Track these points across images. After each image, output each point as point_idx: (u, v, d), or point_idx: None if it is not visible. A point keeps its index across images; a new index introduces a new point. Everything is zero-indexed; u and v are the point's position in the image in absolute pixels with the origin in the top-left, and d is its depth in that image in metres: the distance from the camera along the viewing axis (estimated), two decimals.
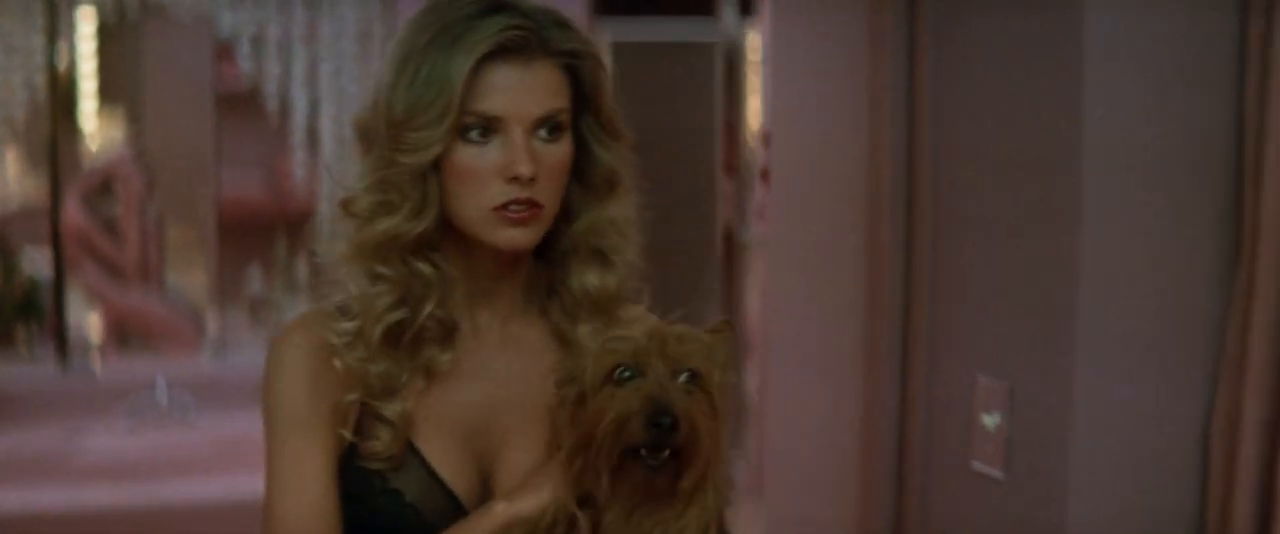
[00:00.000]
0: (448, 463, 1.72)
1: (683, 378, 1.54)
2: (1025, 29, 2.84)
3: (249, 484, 2.13)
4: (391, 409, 1.70)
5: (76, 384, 5.90)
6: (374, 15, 5.69)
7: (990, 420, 2.49)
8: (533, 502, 1.64)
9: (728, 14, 6.00)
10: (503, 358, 1.77)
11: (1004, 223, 2.83)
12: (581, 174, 1.74)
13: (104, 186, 6.70)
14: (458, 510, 1.70)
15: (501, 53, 1.63)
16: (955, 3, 3.03)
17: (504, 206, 1.65)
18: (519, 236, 1.67)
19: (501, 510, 1.66)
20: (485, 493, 1.72)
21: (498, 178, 1.65)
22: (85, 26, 7.69)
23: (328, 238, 1.74)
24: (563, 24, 1.69)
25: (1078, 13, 2.68)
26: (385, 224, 1.67)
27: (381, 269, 1.69)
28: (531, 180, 1.64)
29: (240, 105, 6.10)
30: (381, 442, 1.69)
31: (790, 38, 3.47)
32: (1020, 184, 2.79)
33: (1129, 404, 2.65)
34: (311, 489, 1.70)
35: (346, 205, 1.70)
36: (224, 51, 6.11)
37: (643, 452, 1.51)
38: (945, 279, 3.08)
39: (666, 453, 1.51)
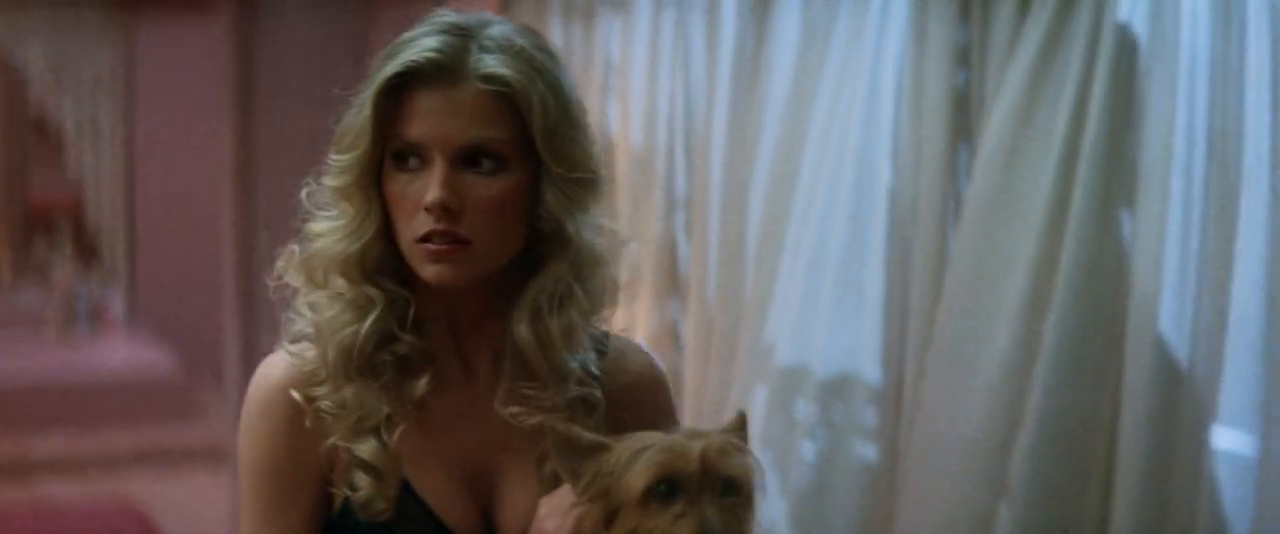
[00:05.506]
0: (451, 508, 1.54)
1: (722, 492, 1.37)
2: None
3: None
4: (365, 448, 1.50)
5: None
6: None
7: None
8: None
9: None
10: (494, 398, 1.55)
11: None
12: (535, 217, 1.49)
13: None
14: None
15: (426, 77, 1.44)
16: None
17: (425, 239, 1.45)
18: (440, 272, 1.46)
19: None
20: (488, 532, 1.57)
21: (420, 208, 1.44)
22: None
23: (294, 267, 1.54)
24: (505, 48, 1.47)
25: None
26: (322, 243, 1.50)
27: (336, 290, 1.51)
28: (448, 212, 1.43)
29: None
30: (365, 490, 1.49)
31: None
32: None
33: None
34: None
35: (305, 232, 1.52)
36: None
37: None
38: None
39: None
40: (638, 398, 1.60)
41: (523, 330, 1.51)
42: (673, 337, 3.10)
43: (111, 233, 8.20)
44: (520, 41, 1.47)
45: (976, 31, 2.29)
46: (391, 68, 1.44)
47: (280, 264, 1.54)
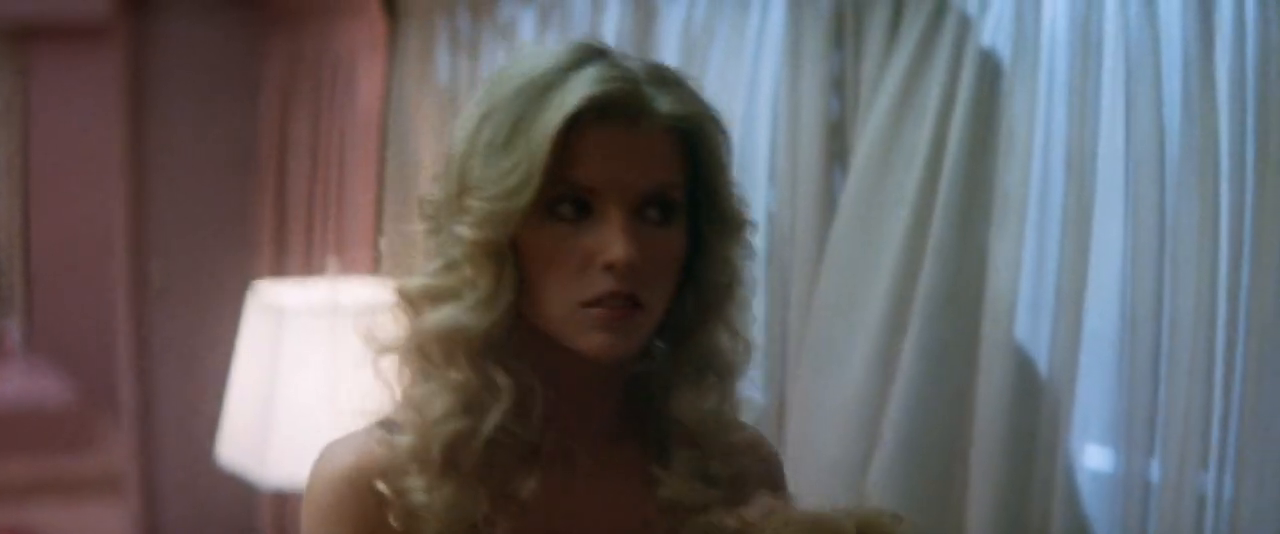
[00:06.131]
0: None
1: None
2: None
3: None
4: None
5: None
6: None
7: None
8: None
9: None
10: (599, 489, 1.34)
11: None
12: (692, 272, 1.29)
13: None
14: None
15: (600, 112, 1.21)
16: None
17: (595, 302, 1.21)
18: (611, 343, 1.23)
19: None
20: None
21: (590, 266, 1.21)
22: None
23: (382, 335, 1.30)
24: (673, 80, 1.27)
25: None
26: (444, 315, 1.25)
27: (442, 371, 1.26)
28: (630, 271, 1.21)
29: None
30: None
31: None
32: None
33: None
34: None
35: (402, 292, 1.29)
36: None
37: None
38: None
39: None
40: (765, 482, 1.40)
41: (686, 406, 1.31)
42: None
43: (8, 262, 8.09)
44: (673, 71, 1.29)
45: (849, 58, 2.29)
46: (573, 100, 1.20)
47: (384, 333, 1.30)
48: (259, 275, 4.06)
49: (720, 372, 1.33)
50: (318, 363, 3.02)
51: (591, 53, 1.26)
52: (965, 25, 2.08)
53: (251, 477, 3.12)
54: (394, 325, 1.31)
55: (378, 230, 3.64)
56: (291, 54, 4.01)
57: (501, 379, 1.26)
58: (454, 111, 3.31)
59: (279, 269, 4.08)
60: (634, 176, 1.22)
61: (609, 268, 1.21)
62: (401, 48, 3.50)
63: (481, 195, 1.22)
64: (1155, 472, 1.92)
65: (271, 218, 4.13)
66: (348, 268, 3.52)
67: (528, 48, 1.41)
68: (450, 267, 1.26)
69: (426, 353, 1.27)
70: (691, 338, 1.32)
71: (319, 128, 3.86)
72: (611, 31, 2.78)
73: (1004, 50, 2.06)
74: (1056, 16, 2.00)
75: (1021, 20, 2.02)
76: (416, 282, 1.28)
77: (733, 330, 1.33)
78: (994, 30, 2.07)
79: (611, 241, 1.20)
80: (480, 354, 1.25)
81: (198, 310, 4.25)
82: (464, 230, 1.24)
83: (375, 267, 3.63)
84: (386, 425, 1.32)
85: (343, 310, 3.05)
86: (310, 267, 3.89)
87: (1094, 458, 2.03)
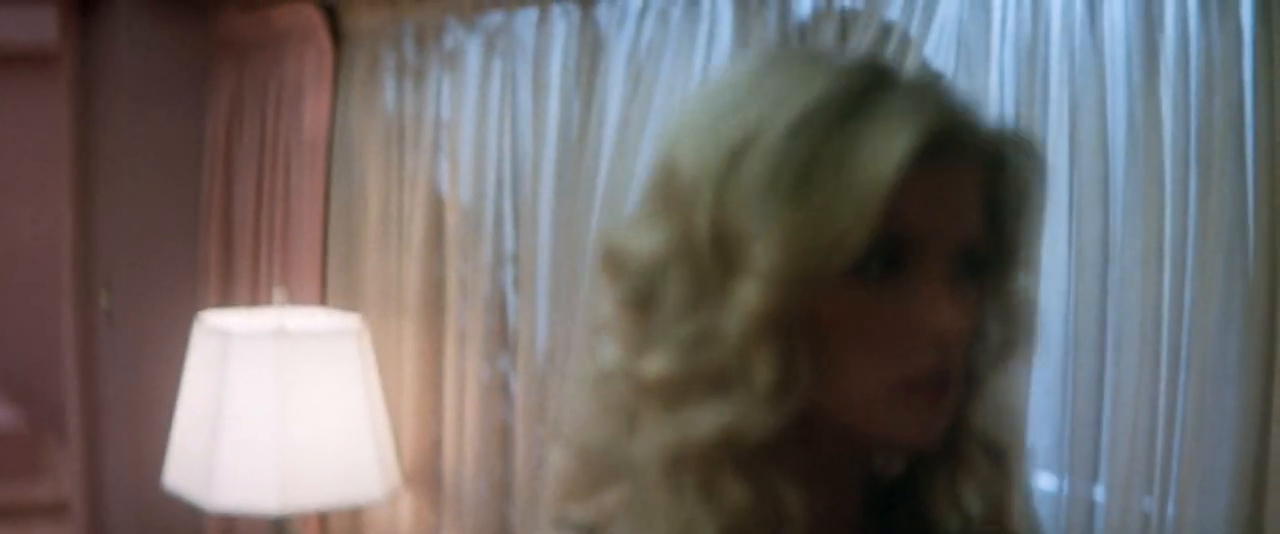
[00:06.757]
0: None
1: None
2: None
3: None
4: None
5: None
6: None
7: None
8: None
9: None
10: None
11: None
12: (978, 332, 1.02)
13: None
14: None
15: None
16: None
17: (913, 382, 0.94)
18: (933, 431, 0.96)
19: None
20: None
21: (903, 336, 0.94)
22: None
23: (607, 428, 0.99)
24: (970, 102, 0.99)
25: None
26: (711, 416, 0.93)
27: (708, 487, 0.95)
28: (962, 342, 0.95)
29: None
30: None
31: None
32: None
33: None
34: None
35: (642, 382, 0.96)
36: None
37: None
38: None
39: None
40: None
41: (951, 504, 1.04)
42: (503, 391, 3.02)
43: None
44: (957, 88, 1.04)
45: None
46: (909, 132, 0.90)
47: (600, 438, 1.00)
48: (206, 303, 4.01)
49: (994, 456, 1.05)
50: (264, 389, 2.96)
51: (881, 70, 0.97)
52: (906, 46, 2.06)
53: (198, 502, 3.06)
54: (607, 423, 1.00)
55: (324, 258, 3.58)
56: (238, 80, 3.95)
57: (791, 496, 0.96)
58: (398, 138, 3.26)
59: (226, 297, 4.01)
60: (956, 224, 0.95)
61: (937, 340, 0.93)
62: (347, 75, 3.45)
63: (775, 249, 0.90)
64: (1099, 494, 1.89)
65: (218, 245, 4.06)
66: (294, 297, 3.47)
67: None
68: (703, 343, 0.94)
69: (687, 466, 0.95)
70: (976, 413, 1.05)
71: (264, 154, 3.79)
72: (558, 56, 2.74)
73: (950, 72, 2.04)
74: (1003, 42, 1.97)
75: (967, 44, 1.99)
76: (657, 367, 0.95)
77: (1006, 399, 1.06)
78: (935, 51, 2.05)
79: (939, 306, 0.93)
80: (757, 462, 0.95)
81: (145, 336, 4.18)
82: (750, 296, 0.91)
83: (321, 296, 3.58)
84: None
85: (289, 336, 3.00)
86: (257, 295, 3.83)
87: (1039, 481, 1.99)
